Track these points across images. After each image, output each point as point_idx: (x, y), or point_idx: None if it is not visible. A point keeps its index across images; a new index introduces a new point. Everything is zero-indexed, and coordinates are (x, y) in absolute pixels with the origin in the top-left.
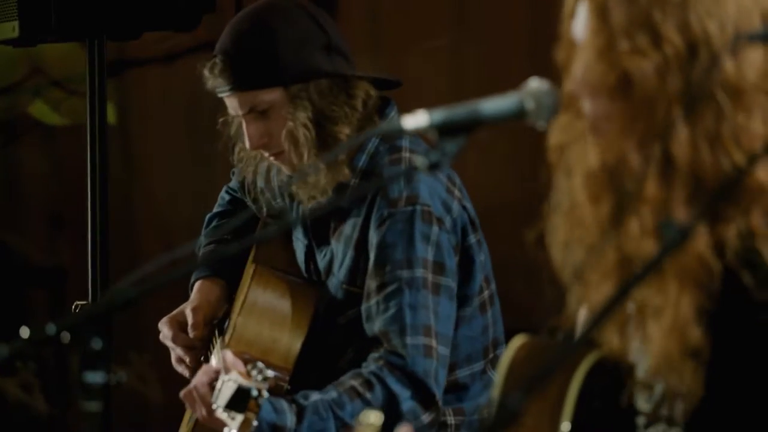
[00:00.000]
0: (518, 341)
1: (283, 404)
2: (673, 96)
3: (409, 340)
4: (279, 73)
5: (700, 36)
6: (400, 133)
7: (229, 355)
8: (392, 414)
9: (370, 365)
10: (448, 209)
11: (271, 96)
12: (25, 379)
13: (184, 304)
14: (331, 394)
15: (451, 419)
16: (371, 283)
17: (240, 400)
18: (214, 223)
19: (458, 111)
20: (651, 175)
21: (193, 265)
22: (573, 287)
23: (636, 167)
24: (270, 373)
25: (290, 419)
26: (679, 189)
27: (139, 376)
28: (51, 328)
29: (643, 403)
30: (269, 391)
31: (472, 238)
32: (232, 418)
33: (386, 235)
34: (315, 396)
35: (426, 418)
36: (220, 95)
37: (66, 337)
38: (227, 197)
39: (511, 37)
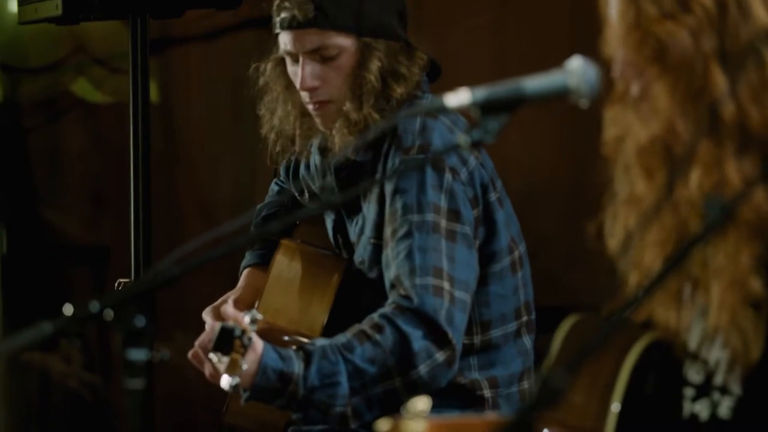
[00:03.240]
0: (571, 319)
1: (290, 352)
2: (710, 54)
3: (417, 280)
4: (359, 22)
5: None
6: (443, 110)
7: (229, 308)
8: (405, 354)
9: (382, 309)
10: (463, 161)
11: (344, 42)
12: (68, 356)
13: (229, 293)
14: (340, 339)
15: (487, 392)
16: (387, 231)
17: (224, 341)
18: (263, 213)
19: (501, 89)
20: (700, 137)
21: (235, 244)
22: (629, 271)
23: (684, 133)
24: (259, 316)
25: (297, 365)
26: (728, 144)
27: (182, 354)
28: (94, 306)
29: (694, 375)
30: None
31: (492, 196)
32: (221, 362)
33: (399, 182)
34: (323, 341)
35: (440, 356)
36: (282, 30)
37: (109, 314)
38: (276, 188)
39: (553, 15)
